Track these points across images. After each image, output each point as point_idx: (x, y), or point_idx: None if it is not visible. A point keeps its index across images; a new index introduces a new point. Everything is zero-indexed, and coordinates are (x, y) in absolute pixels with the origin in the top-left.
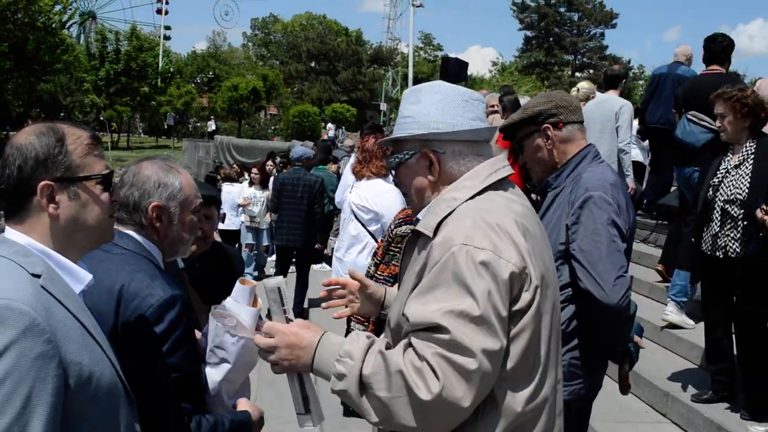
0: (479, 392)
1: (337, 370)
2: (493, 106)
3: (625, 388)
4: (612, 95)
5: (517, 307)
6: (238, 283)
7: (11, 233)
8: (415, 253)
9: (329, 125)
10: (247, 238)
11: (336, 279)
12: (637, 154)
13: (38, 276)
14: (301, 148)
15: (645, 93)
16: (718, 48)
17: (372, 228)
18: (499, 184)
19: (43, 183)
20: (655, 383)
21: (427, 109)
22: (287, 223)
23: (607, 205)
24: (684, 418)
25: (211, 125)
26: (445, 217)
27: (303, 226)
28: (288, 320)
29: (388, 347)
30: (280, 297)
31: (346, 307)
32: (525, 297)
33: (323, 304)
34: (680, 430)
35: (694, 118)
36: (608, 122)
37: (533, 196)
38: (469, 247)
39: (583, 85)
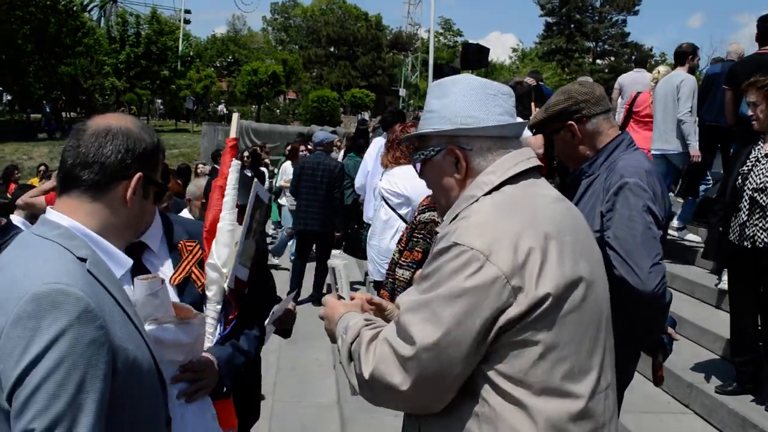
0: (419, 380)
1: (338, 344)
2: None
3: (658, 380)
4: (678, 71)
5: (508, 315)
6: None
7: (53, 214)
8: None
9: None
10: (288, 222)
11: (352, 296)
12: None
13: (84, 260)
14: (322, 133)
15: (698, 93)
16: None
17: (403, 212)
18: (521, 177)
19: (139, 175)
20: (678, 374)
21: (453, 103)
22: (305, 207)
23: (643, 191)
24: (707, 409)
25: (222, 109)
26: (459, 213)
27: (321, 211)
28: (339, 297)
29: (374, 327)
30: (333, 276)
31: None
32: (521, 302)
33: None
34: (703, 422)
35: None
36: (671, 96)
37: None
38: (460, 245)
39: (661, 69)
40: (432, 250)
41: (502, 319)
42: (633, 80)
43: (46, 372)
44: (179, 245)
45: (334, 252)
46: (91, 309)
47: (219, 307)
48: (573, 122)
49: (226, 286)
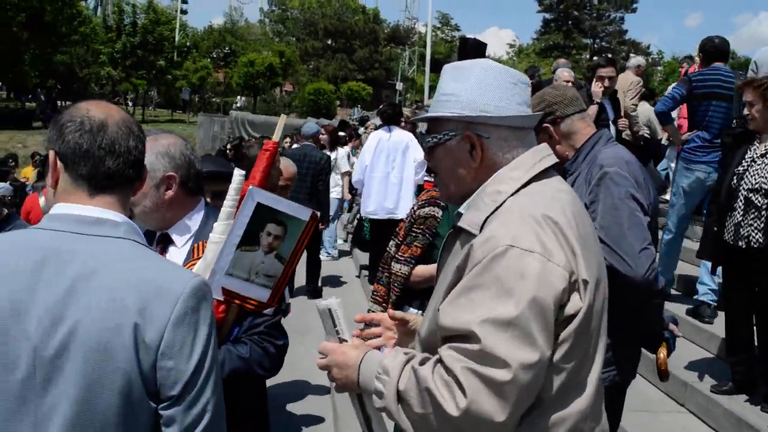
0: (516, 406)
1: (375, 387)
2: (568, 81)
3: (664, 376)
4: None
5: (566, 312)
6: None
7: (104, 212)
8: (456, 248)
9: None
10: None
11: (370, 316)
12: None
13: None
14: (312, 125)
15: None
16: None
17: None
18: (544, 174)
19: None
20: (674, 373)
21: (473, 88)
22: (291, 199)
23: (624, 179)
24: (703, 408)
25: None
26: (492, 213)
27: (307, 202)
28: (341, 341)
29: (424, 362)
30: (331, 318)
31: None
32: (574, 300)
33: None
34: (698, 421)
35: None
36: None
37: None
38: (516, 248)
39: None
40: (468, 256)
41: (561, 317)
42: None
43: (211, 361)
44: (197, 244)
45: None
46: None
47: None
48: (548, 124)
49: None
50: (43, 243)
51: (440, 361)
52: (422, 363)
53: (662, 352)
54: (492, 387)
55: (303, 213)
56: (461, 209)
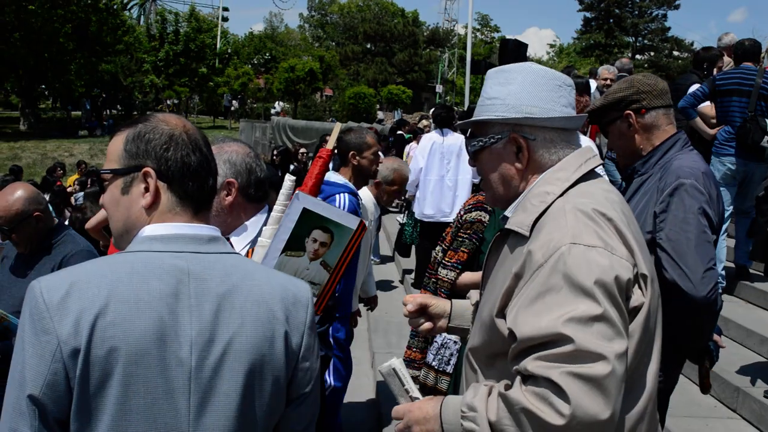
0: (617, 399)
1: (465, 427)
2: (606, 79)
3: (706, 388)
4: None
5: (632, 304)
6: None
7: (210, 229)
8: (505, 251)
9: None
10: None
11: (420, 300)
12: None
13: None
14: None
15: None
16: None
17: None
18: (590, 175)
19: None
20: (725, 377)
21: (518, 91)
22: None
23: (699, 194)
24: (756, 414)
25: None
26: (541, 215)
27: None
28: (412, 399)
29: (508, 387)
30: (398, 379)
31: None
32: (637, 294)
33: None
34: (752, 427)
35: None
36: None
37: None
38: (580, 245)
39: None
40: (527, 260)
41: (628, 308)
42: None
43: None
44: (251, 248)
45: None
46: None
47: None
48: (631, 112)
49: None
50: (170, 266)
51: (528, 376)
52: (507, 388)
53: (706, 364)
54: (594, 384)
55: (351, 221)
56: (507, 212)
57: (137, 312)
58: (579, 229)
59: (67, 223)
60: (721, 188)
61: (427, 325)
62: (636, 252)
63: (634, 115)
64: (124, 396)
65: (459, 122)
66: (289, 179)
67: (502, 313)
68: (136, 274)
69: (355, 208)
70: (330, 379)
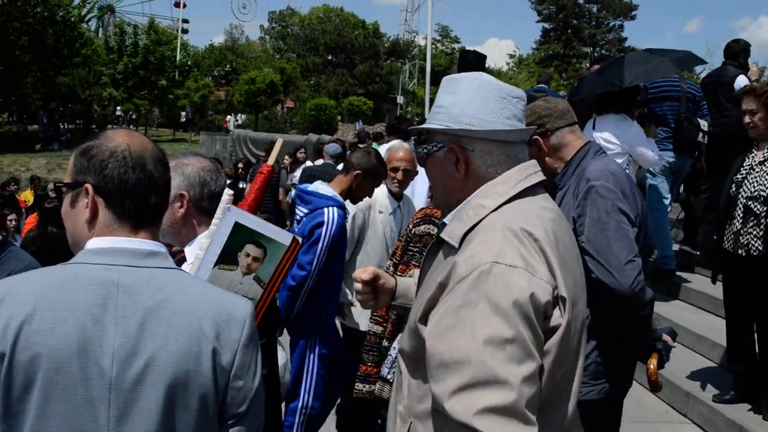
0: (532, 416)
1: None
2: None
3: (654, 387)
4: None
5: (550, 324)
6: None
7: (154, 244)
8: (437, 259)
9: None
10: None
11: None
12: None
13: None
14: (335, 146)
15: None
16: None
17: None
18: (530, 191)
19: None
20: (675, 383)
21: (461, 101)
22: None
23: (610, 192)
24: (705, 418)
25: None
26: (472, 227)
27: None
28: None
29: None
30: None
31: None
32: (555, 315)
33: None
34: (701, 431)
35: None
36: None
37: None
38: (501, 264)
39: None
40: (452, 271)
41: (546, 328)
42: None
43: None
44: None
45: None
46: None
47: None
48: (538, 137)
49: None
50: (101, 277)
51: (451, 424)
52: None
53: (652, 363)
54: (508, 413)
55: (284, 237)
56: (446, 220)
57: (62, 320)
58: (503, 248)
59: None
60: (660, 180)
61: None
62: (557, 274)
63: (541, 139)
64: (44, 401)
65: (411, 128)
66: (226, 193)
67: (425, 320)
68: (67, 284)
69: (343, 222)
70: (307, 397)
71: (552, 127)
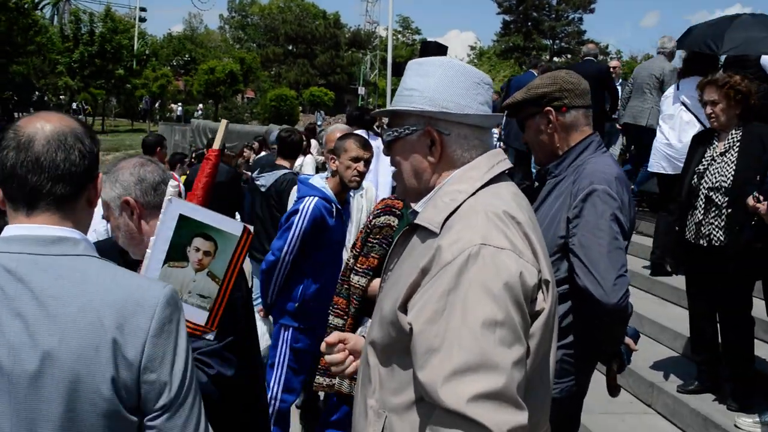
0: (522, 400)
1: None
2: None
3: (613, 389)
4: None
5: (535, 308)
6: None
7: (57, 230)
8: (411, 245)
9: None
10: None
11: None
12: None
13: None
14: (273, 135)
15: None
16: None
17: None
18: (500, 177)
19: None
20: (640, 373)
21: (436, 84)
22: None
23: (612, 200)
24: (669, 408)
25: (178, 109)
26: (451, 213)
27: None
28: None
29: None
30: None
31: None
32: (539, 299)
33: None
34: (666, 421)
35: None
36: None
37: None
38: (489, 246)
39: None
40: (435, 256)
41: (532, 311)
42: None
43: (192, 369)
44: None
45: None
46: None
47: None
48: (552, 109)
49: None
50: (1, 267)
51: (439, 413)
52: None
53: (614, 366)
54: (500, 398)
55: (234, 227)
56: (417, 207)
57: None
58: (489, 230)
59: None
60: None
61: (340, 356)
62: (540, 257)
63: (555, 112)
64: None
65: (376, 111)
66: (171, 185)
67: (404, 308)
68: None
69: (321, 214)
70: (276, 387)
71: (570, 104)
